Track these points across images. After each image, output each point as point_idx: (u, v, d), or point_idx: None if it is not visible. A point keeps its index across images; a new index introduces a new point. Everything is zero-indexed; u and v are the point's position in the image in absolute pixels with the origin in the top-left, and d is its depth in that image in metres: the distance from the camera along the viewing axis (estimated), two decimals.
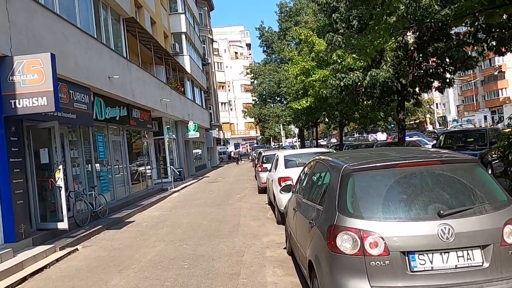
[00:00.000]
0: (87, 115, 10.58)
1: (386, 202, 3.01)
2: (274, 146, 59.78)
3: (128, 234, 9.02)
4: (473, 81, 66.34)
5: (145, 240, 8.16)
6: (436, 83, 15.48)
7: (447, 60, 14.19)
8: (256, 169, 15.03)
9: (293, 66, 22.46)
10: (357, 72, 13.61)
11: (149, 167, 17.60)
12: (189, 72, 26.39)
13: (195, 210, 11.75)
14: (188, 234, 8.27)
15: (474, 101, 70.54)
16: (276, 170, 8.70)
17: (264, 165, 13.60)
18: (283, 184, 7.68)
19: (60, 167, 8.08)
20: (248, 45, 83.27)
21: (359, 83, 13.65)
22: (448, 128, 44.94)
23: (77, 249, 7.72)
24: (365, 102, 20.89)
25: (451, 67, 14.81)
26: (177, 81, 23.23)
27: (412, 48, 13.95)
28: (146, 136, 17.63)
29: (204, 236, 7.92)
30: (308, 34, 22.38)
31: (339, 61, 7.09)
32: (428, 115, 77.08)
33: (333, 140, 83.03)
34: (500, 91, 62.95)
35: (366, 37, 7.19)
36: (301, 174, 5.45)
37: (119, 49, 13.79)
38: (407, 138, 26.98)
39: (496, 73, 54.80)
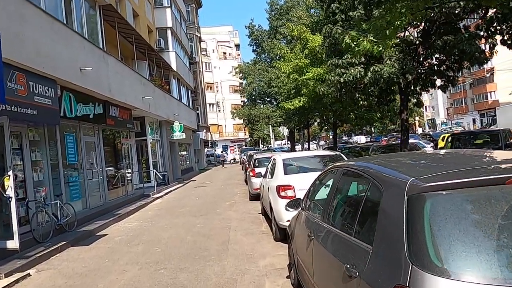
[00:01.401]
0: (52, 111, 9.09)
1: (499, 246, 1.70)
2: (262, 148, 58.56)
3: (97, 252, 7.56)
4: (461, 84, 66.36)
5: (115, 261, 6.72)
6: (438, 82, 14.40)
7: (456, 55, 13.12)
8: (248, 173, 13.68)
9: (285, 63, 21.18)
10: (358, 67, 12.41)
11: (129, 170, 16.08)
12: (175, 70, 24.92)
13: (179, 220, 10.33)
14: (168, 254, 6.87)
15: (463, 104, 70.65)
16: (273, 176, 7.37)
17: (257, 170, 12.26)
18: (282, 193, 6.38)
19: (10, 173, 6.60)
20: (237, 46, 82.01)
21: (360, 79, 12.43)
22: (438, 131, 44.39)
23: (28, 275, 6.25)
24: (361, 102, 19.91)
25: (455, 64, 13.78)
26: (161, 78, 21.74)
27: (417, 42, 12.82)
28: (127, 137, 16.12)
29: (187, 257, 6.53)
30: (302, 30, 21.20)
31: (353, 44, 5.81)
32: (417, 118, 76.90)
33: (322, 143, 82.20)
34: (489, 94, 63.08)
35: (384, 18, 5.93)
36: (314, 185, 4.13)
37: (94, 38, 12.30)
38: None
39: (488, 75, 54.61)
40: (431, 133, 34.56)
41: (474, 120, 67.67)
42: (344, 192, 3.05)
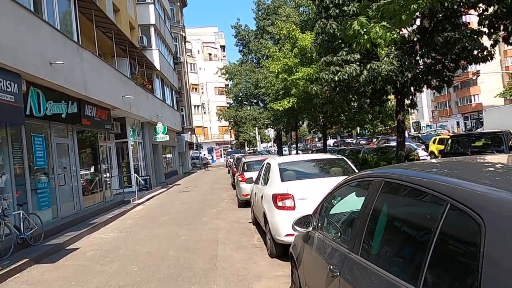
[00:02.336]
0: (16, 109, 8.00)
1: None
2: (249, 151, 57.61)
3: (63, 272, 6.52)
4: (446, 87, 66.91)
5: (83, 285, 5.71)
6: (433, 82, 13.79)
7: (454, 53, 12.53)
8: (236, 178, 12.75)
9: (274, 62, 20.36)
10: (354, 65, 11.67)
11: (108, 175, 14.96)
12: (159, 69, 23.83)
13: (160, 231, 9.33)
14: (146, 274, 5.89)
15: (447, 107, 71.38)
16: (267, 183, 6.47)
17: (246, 174, 11.35)
18: (280, 203, 5.51)
19: None
20: (223, 47, 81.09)
21: (356, 78, 11.69)
22: (424, 133, 44.37)
23: None
24: (353, 103, 19.25)
25: (451, 64, 13.20)
26: (144, 77, 20.63)
27: (415, 39, 12.15)
28: (105, 138, 14.99)
29: (168, 279, 5.57)
30: (291, 28, 20.44)
31: (362, 31, 4.99)
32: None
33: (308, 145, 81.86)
34: (472, 97, 63.88)
35: (397, 2, 5.14)
36: (329, 199, 3.26)
37: (68, 31, 11.22)
38: (394, 143, 25.57)
39: (474, 78, 55.16)
40: (419, 135, 34.23)
41: (458, 123, 68.40)
42: (390, 215, 2.16)
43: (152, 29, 24.16)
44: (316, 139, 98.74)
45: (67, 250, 8.02)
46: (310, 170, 6.53)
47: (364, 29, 5.03)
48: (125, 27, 20.18)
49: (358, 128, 36.75)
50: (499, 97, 51.06)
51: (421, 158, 16.93)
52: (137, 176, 17.12)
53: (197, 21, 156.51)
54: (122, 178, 17.16)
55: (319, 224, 3.22)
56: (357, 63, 11.82)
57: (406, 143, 23.04)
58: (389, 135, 57.83)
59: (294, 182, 5.96)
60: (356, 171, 6.23)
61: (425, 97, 74.36)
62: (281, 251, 5.83)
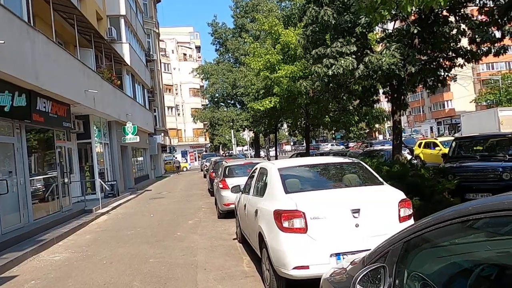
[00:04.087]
0: None
1: None
2: (224, 154, 55.84)
3: None
4: (419, 92, 67.81)
5: None
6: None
7: (453, 49, 11.55)
8: (216, 185, 11.13)
9: (255, 59, 18.94)
10: (350, 58, 10.40)
11: (66, 180, 12.97)
12: (129, 64, 21.88)
13: (125, 250, 7.62)
14: None
15: (421, 112, 72.40)
16: (264, 194, 4.94)
17: (228, 180, 9.79)
18: (286, 223, 4.10)
19: None
20: (198, 48, 79.21)
21: (352, 72, 10.41)
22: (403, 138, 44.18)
23: None
24: (341, 104, 18.11)
25: (446, 62, 12.21)
26: (112, 71, 18.68)
27: (415, 32, 11.03)
28: (64, 138, 13.04)
29: None
30: (274, 23, 19.11)
31: None
32: (377, 125, 77.71)
33: (287, 148, 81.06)
34: (445, 102, 65.00)
35: None
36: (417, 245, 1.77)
37: (15, 6, 9.33)
38: (378, 147, 24.63)
39: (450, 82, 55.67)
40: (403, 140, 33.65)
41: (431, 128, 69.45)
42: None
43: (122, 21, 22.20)
44: (292, 143, 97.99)
45: None
46: (321, 178, 5.09)
47: None
48: (92, 16, 18.20)
49: (333, 131, 35.88)
50: (473, 102, 51.99)
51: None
52: (101, 181, 15.17)
53: (172, 21, 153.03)
54: (84, 184, 15.17)
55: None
56: (353, 56, 10.59)
57: (387, 147, 22.28)
58: (370, 138, 57.61)
59: (303, 194, 4.47)
60: (381, 179, 4.83)
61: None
62: (284, 287, 4.34)
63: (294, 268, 3.98)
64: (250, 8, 32.30)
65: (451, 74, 12.78)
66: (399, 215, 4.22)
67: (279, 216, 4.18)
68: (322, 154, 20.18)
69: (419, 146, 22.30)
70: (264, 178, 5.34)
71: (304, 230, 4.04)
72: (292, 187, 4.63)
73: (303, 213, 4.05)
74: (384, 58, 9.96)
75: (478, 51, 11.07)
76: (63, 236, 9.44)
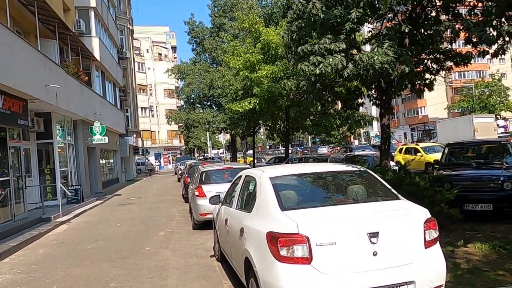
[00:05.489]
0: None
1: None
2: (199, 157, 54.40)
3: None
4: (394, 99, 68.91)
5: None
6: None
7: (441, 51, 11.10)
8: (191, 192, 10.04)
9: (234, 58, 18.00)
10: (339, 56, 9.62)
11: (21, 184, 11.54)
12: (99, 59, 20.43)
13: (82, 270, 6.45)
14: None
15: (395, 118, 73.40)
16: (253, 210, 3.98)
17: (205, 187, 8.75)
18: (283, 251, 3.14)
19: None
20: (174, 48, 77.50)
21: (341, 71, 9.64)
22: (371, 144, 44.31)
23: None
24: (325, 106, 17.40)
25: (434, 65, 11.73)
26: (78, 66, 17.25)
27: (406, 30, 10.40)
28: (19, 138, 11.62)
29: None
30: (254, 21, 18.25)
31: None
32: (359, 129, 78.24)
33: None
34: (419, 109, 66.28)
35: None
36: None
37: None
38: (359, 152, 24.09)
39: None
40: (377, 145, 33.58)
41: (405, 134, 70.59)
42: None
43: (92, 13, 20.76)
44: (267, 147, 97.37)
45: None
46: (324, 191, 4.16)
47: None
48: (57, 6, 16.70)
49: (313, 135, 35.27)
50: (447, 109, 53.09)
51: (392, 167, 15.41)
52: (62, 186, 13.74)
53: (147, 21, 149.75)
54: (44, 189, 13.70)
55: None
56: (342, 54, 9.83)
57: (372, 152, 21.79)
58: (346, 143, 57.63)
59: (304, 212, 3.52)
60: (395, 192, 3.96)
61: (374, 108, 76.01)
62: None
63: None
64: (229, 7, 31.37)
65: (439, 75, 12.30)
66: (425, 238, 3.36)
67: (275, 240, 3.22)
68: (317, 160, 19.09)
69: (400, 151, 21.96)
70: (252, 188, 4.37)
71: (308, 260, 3.10)
72: (289, 202, 3.68)
73: (307, 237, 3.12)
74: (376, 56, 9.24)
75: (473, 52, 10.59)
76: (11, 250, 8.12)
